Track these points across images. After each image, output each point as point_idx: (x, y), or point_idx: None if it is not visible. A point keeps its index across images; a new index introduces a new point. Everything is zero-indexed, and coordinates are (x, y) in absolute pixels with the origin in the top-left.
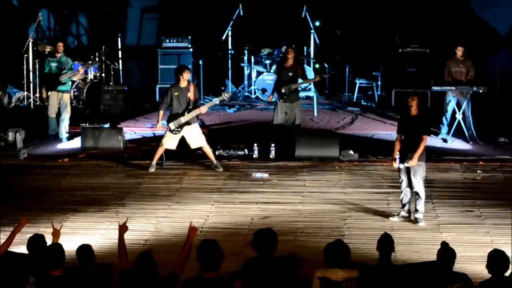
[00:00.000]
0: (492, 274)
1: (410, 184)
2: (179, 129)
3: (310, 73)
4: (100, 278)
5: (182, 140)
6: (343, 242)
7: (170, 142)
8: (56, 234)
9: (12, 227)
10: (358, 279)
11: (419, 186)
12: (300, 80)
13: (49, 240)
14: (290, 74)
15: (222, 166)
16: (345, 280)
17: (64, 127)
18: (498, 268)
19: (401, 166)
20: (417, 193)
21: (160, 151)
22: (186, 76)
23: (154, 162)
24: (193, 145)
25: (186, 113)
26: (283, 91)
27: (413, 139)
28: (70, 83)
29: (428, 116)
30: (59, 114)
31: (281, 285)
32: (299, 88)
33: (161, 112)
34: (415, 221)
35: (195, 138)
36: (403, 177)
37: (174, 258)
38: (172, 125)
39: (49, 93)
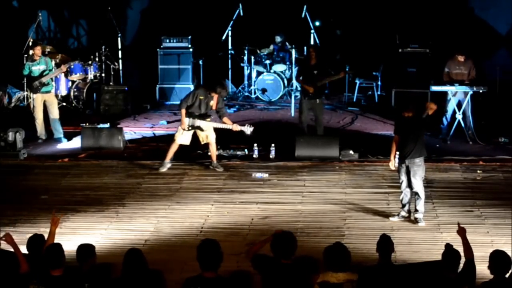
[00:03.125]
0: (494, 275)
1: (409, 185)
2: (190, 128)
3: None
4: (97, 278)
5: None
6: (343, 245)
7: (182, 138)
8: (55, 222)
9: (12, 227)
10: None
11: (418, 186)
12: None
13: (46, 229)
14: (315, 72)
15: (222, 166)
16: (345, 282)
17: (59, 127)
18: (500, 269)
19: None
20: (416, 193)
21: (173, 148)
22: (214, 94)
23: (167, 160)
24: (203, 141)
25: (205, 119)
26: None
27: (411, 138)
28: (54, 84)
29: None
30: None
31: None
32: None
33: (183, 111)
34: (415, 221)
35: (206, 134)
36: (403, 178)
37: (174, 258)
38: (187, 120)
39: (34, 96)
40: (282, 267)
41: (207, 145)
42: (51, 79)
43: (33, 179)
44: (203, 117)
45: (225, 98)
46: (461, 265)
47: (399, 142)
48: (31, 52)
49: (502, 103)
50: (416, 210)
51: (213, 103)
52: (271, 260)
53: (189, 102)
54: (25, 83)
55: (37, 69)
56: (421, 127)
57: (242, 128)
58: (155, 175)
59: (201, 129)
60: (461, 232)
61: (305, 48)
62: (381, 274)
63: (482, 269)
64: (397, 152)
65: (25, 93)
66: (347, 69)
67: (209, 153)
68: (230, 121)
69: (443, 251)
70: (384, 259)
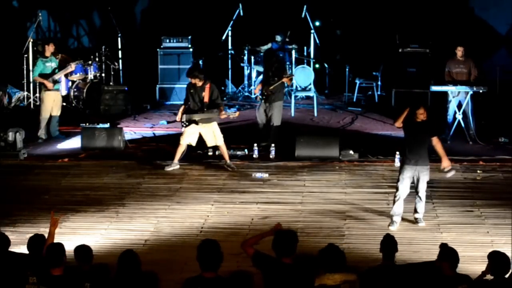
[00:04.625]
0: (493, 276)
1: (409, 189)
2: (187, 123)
3: (309, 73)
4: (97, 278)
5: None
6: (336, 246)
7: (187, 139)
8: (54, 223)
9: (12, 227)
10: (357, 283)
11: (423, 190)
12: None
13: (46, 229)
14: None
15: (222, 165)
16: (342, 283)
17: (57, 124)
18: (499, 270)
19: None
20: (419, 197)
21: (180, 150)
22: (195, 81)
23: (176, 160)
24: (209, 143)
25: (199, 112)
26: (264, 92)
27: (421, 144)
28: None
29: (433, 119)
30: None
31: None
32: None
33: (182, 107)
34: (415, 221)
35: (212, 136)
36: (405, 184)
37: (174, 258)
38: (184, 117)
39: (47, 93)
40: (284, 267)
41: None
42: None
43: (33, 179)
44: (198, 111)
45: (225, 98)
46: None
47: (408, 150)
48: (45, 48)
49: (502, 103)
50: (416, 211)
51: (205, 94)
52: (273, 260)
53: (187, 99)
54: (35, 82)
55: (49, 66)
56: (430, 132)
57: (227, 113)
58: (155, 175)
59: (196, 123)
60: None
61: (305, 48)
62: (385, 275)
63: (482, 269)
64: (398, 152)
65: (25, 93)
66: (289, 74)
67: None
68: (225, 113)
69: (439, 251)
70: (388, 259)
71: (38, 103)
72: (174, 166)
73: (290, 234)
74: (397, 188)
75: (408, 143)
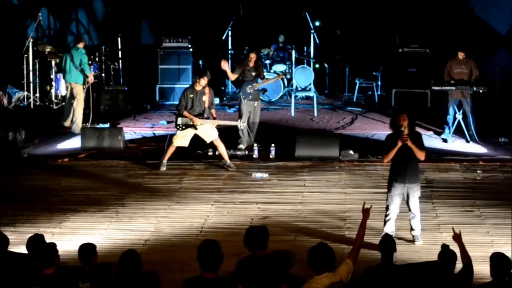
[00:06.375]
0: (493, 278)
1: (407, 206)
2: (183, 127)
3: (309, 73)
4: (98, 278)
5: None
6: (327, 245)
7: (180, 140)
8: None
9: (12, 227)
10: (343, 282)
11: (416, 206)
12: (259, 80)
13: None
14: (253, 74)
15: (222, 165)
16: (330, 286)
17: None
18: (500, 272)
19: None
20: (413, 213)
21: (170, 150)
22: (203, 82)
23: (165, 160)
24: (207, 140)
25: (200, 117)
26: (248, 91)
27: (411, 162)
28: None
29: (419, 132)
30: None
31: (274, 280)
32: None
33: (186, 113)
34: (413, 239)
35: (208, 132)
36: (395, 204)
37: (174, 258)
38: (180, 120)
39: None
40: (257, 259)
41: (207, 144)
42: None
43: (33, 179)
44: (199, 116)
45: (225, 98)
46: (457, 267)
47: (396, 167)
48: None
49: (502, 103)
50: (412, 229)
51: (205, 98)
52: (248, 257)
53: (184, 103)
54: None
55: None
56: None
57: (235, 123)
58: (155, 175)
59: (195, 128)
60: (457, 238)
61: (305, 48)
62: (383, 274)
63: (482, 269)
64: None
65: (25, 93)
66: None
67: (221, 155)
68: (216, 121)
69: (439, 251)
70: (386, 259)
71: (38, 103)
72: (165, 166)
73: (261, 229)
74: (387, 208)
75: (395, 159)
